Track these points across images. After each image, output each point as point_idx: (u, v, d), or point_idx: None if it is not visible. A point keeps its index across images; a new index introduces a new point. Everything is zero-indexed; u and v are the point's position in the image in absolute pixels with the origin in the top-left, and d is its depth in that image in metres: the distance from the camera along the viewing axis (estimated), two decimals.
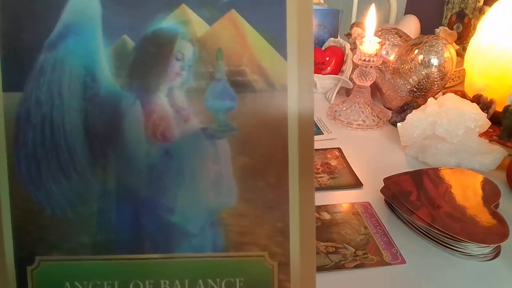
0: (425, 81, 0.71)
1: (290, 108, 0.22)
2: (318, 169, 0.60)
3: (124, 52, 0.22)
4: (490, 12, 0.71)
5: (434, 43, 0.70)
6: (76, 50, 0.22)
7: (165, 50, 0.22)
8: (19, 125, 0.22)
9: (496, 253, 0.44)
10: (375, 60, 0.68)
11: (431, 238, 0.45)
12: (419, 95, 0.73)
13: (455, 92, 0.74)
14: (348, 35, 0.92)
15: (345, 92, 0.83)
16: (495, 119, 0.64)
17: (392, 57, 0.75)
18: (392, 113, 0.73)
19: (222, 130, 0.22)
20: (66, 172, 0.23)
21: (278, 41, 0.22)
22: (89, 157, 0.23)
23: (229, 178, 0.22)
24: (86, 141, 0.22)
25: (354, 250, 0.45)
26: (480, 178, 0.53)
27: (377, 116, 0.72)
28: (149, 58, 0.22)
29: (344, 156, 0.63)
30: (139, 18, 0.22)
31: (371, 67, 0.68)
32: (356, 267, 0.43)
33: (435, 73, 0.71)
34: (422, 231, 0.46)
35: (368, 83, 0.70)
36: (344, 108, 0.73)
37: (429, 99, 0.62)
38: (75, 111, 0.22)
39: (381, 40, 0.68)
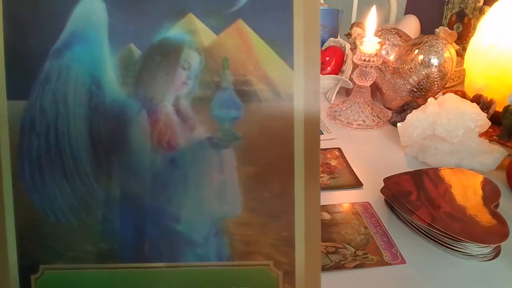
0: (425, 81, 0.71)
1: (296, 117, 0.22)
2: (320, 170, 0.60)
3: (130, 61, 0.22)
4: (490, 12, 0.71)
5: (434, 43, 0.70)
6: (81, 58, 0.22)
7: (172, 59, 0.22)
8: (23, 133, 0.22)
9: (496, 253, 0.44)
10: (375, 60, 0.67)
11: (431, 238, 0.45)
12: (419, 95, 0.73)
13: (455, 92, 0.74)
14: (348, 35, 0.92)
15: (345, 92, 0.82)
16: (495, 119, 0.64)
17: (392, 57, 0.75)
18: (392, 113, 0.73)
19: (228, 139, 0.22)
20: (70, 180, 0.22)
21: (284, 50, 0.22)
22: (93, 165, 0.22)
23: (234, 188, 0.22)
24: (91, 149, 0.22)
25: (354, 250, 0.45)
26: (480, 178, 0.52)
27: (377, 116, 0.72)
28: (155, 67, 0.22)
29: (344, 156, 0.63)
30: (145, 27, 0.22)
31: (371, 67, 0.68)
32: (356, 267, 0.43)
33: (435, 73, 0.70)
34: (422, 231, 0.46)
35: (368, 83, 0.70)
36: (344, 108, 0.73)
37: (429, 99, 0.62)
38: (80, 119, 0.22)
39: (381, 40, 0.68)
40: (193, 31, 0.22)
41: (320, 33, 0.87)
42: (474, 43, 0.72)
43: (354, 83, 0.73)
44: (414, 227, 0.47)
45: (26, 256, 0.23)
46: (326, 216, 0.50)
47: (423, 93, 0.73)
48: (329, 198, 0.53)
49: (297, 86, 0.22)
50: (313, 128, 0.21)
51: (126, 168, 0.22)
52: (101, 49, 0.22)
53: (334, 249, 0.45)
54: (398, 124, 0.64)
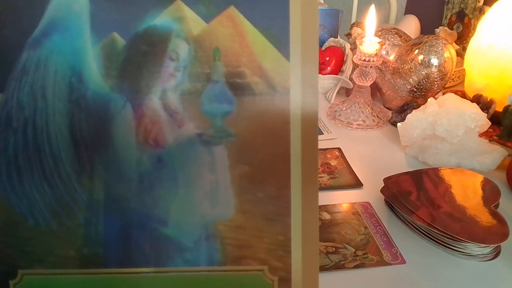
0: (425, 81, 0.71)
1: (293, 112, 0.20)
2: (318, 169, 0.59)
3: (113, 51, 0.20)
4: (490, 12, 0.70)
5: (434, 43, 0.69)
6: (61, 48, 0.20)
7: (158, 49, 0.20)
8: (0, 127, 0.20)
9: (496, 253, 0.43)
10: (375, 60, 0.67)
11: (431, 238, 0.45)
12: (419, 95, 0.73)
13: (455, 92, 0.74)
14: (348, 35, 0.91)
15: (345, 92, 0.82)
16: (495, 119, 0.63)
17: (392, 57, 0.74)
18: (392, 113, 0.72)
19: (219, 136, 0.20)
20: (50, 180, 0.21)
21: (280, 40, 0.19)
22: (75, 164, 0.21)
23: (226, 188, 0.20)
24: (72, 146, 0.20)
25: (354, 250, 0.44)
26: (480, 178, 0.52)
27: (377, 116, 0.72)
28: (141, 58, 0.20)
29: (344, 156, 0.62)
30: (130, 14, 0.20)
31: (371, 67, 0.68)
32: (356, 267, 0.42)
33: (435, 73, 0.70)
34: (422, 231, 0.45)
35: (368, 83, 0.70)
36: (344, 108, 0.73)
37: (429, 99, 0.62)
38: (60, 114, 0.20)
39: (381, 40, 0.67)
40: (182, 19, 0.20)
41: (319, 32, 0.86)
42: (474, 43, 0.71)
43: (354, 83, 0.72)
44: (414, 227, 0.46)
45: (4, 261, 0.21)
46: (326, 216, 0.49)
47: (423, 93, 0.72)
48: (329, 198, 0.53)
49: (294, 79, 0.19)
50: (311, 125, 0.19)
51: (110, 168, 0.20)
52: (82, 38, 0.20)
53: (334, 249, 0.44)
54: (398, 124, 0.63)
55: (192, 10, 0.20)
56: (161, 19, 0.20)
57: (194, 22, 0.20)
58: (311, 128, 0.19)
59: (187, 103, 0.20)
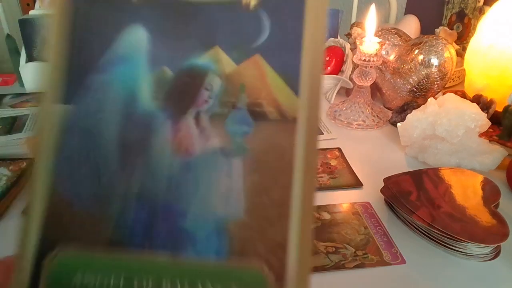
0: (425, 81, 0.71)
1: (299, 135, 0.25)
2: (318, 169, 0.59)
3: (162, 80, 0.26)
4: (490, 12, 0.70)
5: (434, 43, 0.70)
6: (122, 74, 0.26)
7: (198, 81, 0.26)
8: (66, 131, 0.26)
9: (496, 253, 0.44)
10: (375, 60, 0.67)
11: (431, 238, 0.46)
12: (419, 95, 0.73)
13: (455, 92, 0.74)
14: (348, 35, 0.91)
15: (345, 92, 0.82)
16: (495, 119, 0.65)
17: (392, 57, 0.75)
18: (392, 113, 0.72)
19: (237, 150, 0.26)
20: (98, 175, 0.26)
21: (292, 81, 0.26)
22: (120, 164, 0.26)
23: (239, 193, 0.25)
24: (120, 150, 0.26)
25: (354, 250, 0.45)
26: (480, 178, 0.53)
27: (377, 116, 0.72)
28: (183, 86, 0.26)
29: (344, 156, 0.63)
30: (179, 54, 0.26)
31: (371, 67, 0.68)
32: (356, 267, 0.43)
33: (435, 73, 0.70)
34: (422, 231, 0.47)
35: (368, 83, 0.70)
36: (344, 108, 0.73)
37: (429, 99, 0.63)
38: (114, 125, 0.26)
39: (381, 40, 0.67)
40: (218, 61, 0.26)
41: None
42: (474, 43, 0.71)
43: (354, 83, 0.72)
44: (414, 227, 0.48)
45: (46, 237, 0.25)
46: (326, 216, 0.50)
47: (423, 93, 0.72)
48: (329, 198, 0.54)
49: (301, 110, 0.25)
50: (312, 147, 0.25)
51: (146, 169, 0.26)
52: (140, 69, 0.26)
53: (334, 249, 0.45)
54: (398, 124, 0.65)
55: (226, 55, 0.26)
56: (202, 59, 0.26)
57: (227, 64, 0.26)
58: (312, 149, 0.25)
59: (215, 123, 0.26)
